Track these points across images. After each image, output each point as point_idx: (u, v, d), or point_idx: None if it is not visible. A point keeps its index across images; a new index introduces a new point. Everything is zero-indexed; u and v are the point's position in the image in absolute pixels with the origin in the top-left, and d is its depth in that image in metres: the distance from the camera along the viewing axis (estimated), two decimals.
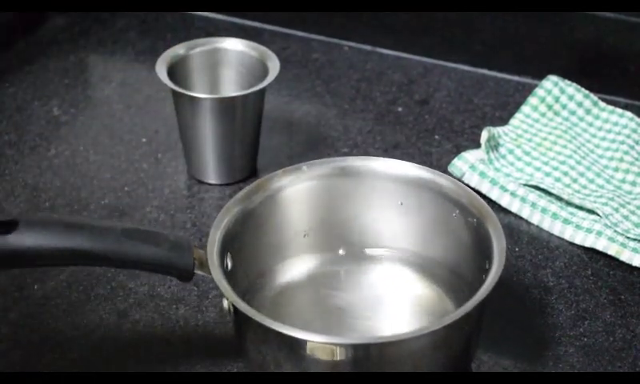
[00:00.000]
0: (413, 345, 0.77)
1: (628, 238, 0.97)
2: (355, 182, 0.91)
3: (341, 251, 0.93)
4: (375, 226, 0.92)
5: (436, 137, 1.12)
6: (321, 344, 0.77)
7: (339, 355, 0.76)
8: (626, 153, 1.06)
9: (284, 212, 0.91)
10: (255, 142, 1.06)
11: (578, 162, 1.05)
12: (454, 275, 0.89)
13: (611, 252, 0.97)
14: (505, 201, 1.02)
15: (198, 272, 0.82)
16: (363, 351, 0.77)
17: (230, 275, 0.82)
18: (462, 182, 0.97)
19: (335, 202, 0.92)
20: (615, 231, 0.97)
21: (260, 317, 0.77)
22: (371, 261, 0.93)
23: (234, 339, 0.83)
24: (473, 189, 1.03)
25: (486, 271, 0.81)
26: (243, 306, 0.78)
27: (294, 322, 0.81)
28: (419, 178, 0.90)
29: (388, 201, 0.91)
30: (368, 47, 1.26)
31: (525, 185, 1.03)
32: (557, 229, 1.00)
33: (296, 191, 0.91)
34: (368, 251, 0.93)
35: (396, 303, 0.90)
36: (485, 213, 0.86)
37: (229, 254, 0.84)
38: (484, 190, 1.03)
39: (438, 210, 0.89)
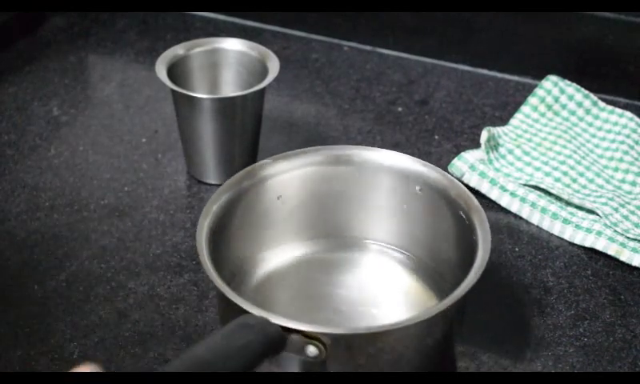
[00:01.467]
0: (394, 336, 0.77)
1: (628, 237, 0.97)
2: (346, 171, 0.92)
3: (328, 239, 0.93)
4: (364, 216, 0.93)
5: (436, 137, 1.12)
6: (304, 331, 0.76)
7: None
8: (626, 153, 1.06)
9: (274, 199, 0.91)
10: (255, 142, 1.06)
11: (578, 162, 1.05)
12: (440, 267, 0.90)
13: (611, 252, 0.97)
14: (504, 201, 1.02)
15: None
16: (346, 341, 0.77)
17: (217, 262, 0.83)
18: (463, 183, 0.97)
19: (325, 191, 0.92)
20: (615, 231, 0.97)
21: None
22: (358, 250, 0.93)
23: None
24: (472, 189, 1.04)
25: (471, 265, 0.82)
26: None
27: (279, 308, 0.82)
28: (409, 170, 0.91)
29: (378, 191, 0.92)
30: (368, 47, 1.26)
31: (524, 185, 1.03)
32: (556, 229, 1.00)
33: (286, 178, 0.91)
34: (356, 240, 0.93)
35: (381, 293, 0.90)
36: (471, 205, 0.87)
37: (218, 238, 0.85)
38: (484, 190, 1.03)
39: (427, 202, 0.90)
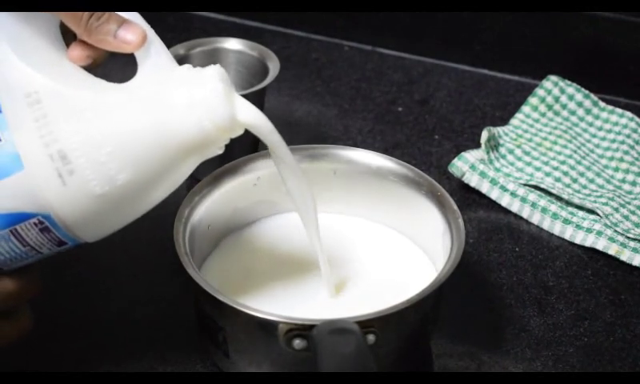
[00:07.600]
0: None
1: (628, 237, 0.97)
2: (322, 168, 0.92)
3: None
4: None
5: (436, 137, 1.12)
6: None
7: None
8: (626, 153, 1.06)
9: (255, 193, 0.93)
10: (255, 141, 1.05)
11: (578, 162, 1.05)
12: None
13: (611, 252, 0.97)
14: (505, 201, 1.02)
15: None
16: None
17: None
18: (463, 183, 0.97)
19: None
20: (615, 231, 0.97)
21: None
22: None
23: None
24: (473, 189, 1.04)
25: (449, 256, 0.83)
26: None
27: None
28: (383, 168, 0.91)
29: (357, 191, 0.92)
30: (368, 47, 1.26)
31: (525, 185, 1.03)
32: (557, 229, 1.00)
33: (267, 174, 0.92)
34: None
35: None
36: (445, 201, 0.87)
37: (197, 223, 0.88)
38: (484, 190, 1.03)
39: (404, 197, 0.90)
